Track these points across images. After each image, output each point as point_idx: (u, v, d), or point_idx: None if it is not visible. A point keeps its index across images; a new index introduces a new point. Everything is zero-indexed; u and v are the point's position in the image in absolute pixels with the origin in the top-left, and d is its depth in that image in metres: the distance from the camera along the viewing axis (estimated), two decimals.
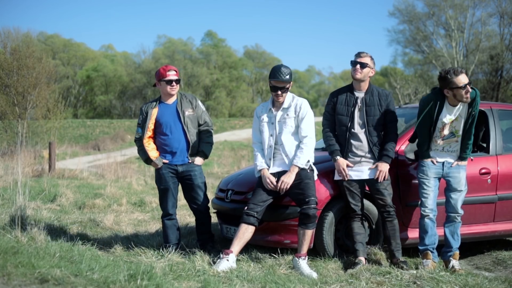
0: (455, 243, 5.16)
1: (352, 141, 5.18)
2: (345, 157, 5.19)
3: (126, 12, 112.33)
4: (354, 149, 5.17)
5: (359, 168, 5.15)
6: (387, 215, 5.15)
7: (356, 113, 5.18)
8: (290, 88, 5.16)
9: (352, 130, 5.17)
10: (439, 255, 5.24)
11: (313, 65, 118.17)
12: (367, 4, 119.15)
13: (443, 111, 5.10)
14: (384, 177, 5.09)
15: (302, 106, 5.13)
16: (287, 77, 5.09)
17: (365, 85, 5.21)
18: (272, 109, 5.22)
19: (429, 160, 5.17)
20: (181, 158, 5.50)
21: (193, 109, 5.54)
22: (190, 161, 5.50)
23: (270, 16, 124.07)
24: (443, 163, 5.17)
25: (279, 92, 5.11)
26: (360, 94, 5.20)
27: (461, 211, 5.16)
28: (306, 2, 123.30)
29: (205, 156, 5.56)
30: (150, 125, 5.51)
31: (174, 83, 5.49)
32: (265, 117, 5.24)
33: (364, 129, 5.14)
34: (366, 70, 5.14)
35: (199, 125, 5.58)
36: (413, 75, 42.46)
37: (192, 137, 5.50)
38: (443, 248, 5.22)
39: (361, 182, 5.17)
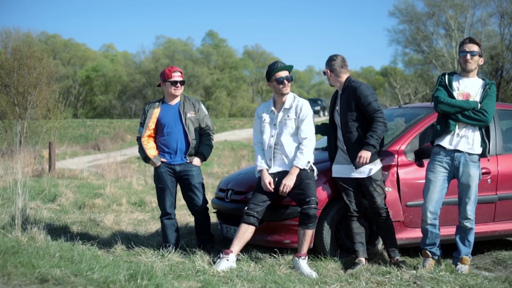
0: (465, 249, 5.03)
1: (338, 140, 5.27)
2: (336, 153, 5.27)
3: (126, 12, 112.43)
4: (341, 146, 5.23)
5: (347, 166, 5.17)
6: (379, 217, 5.14)
7: (336, 114, 5.26)
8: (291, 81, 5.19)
9: (336, 130, 5.27)
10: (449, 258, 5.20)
11: (313, 65, 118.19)
12: (367, 4, 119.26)
13: (454, 78, 5.06)
14: (362, 163, 4.96)
15: (303, 107, 5.14)
16: (287, 64, 5.17)
17: (339, 85, 5.25)
18: (274, 109, 5.23)
19: (440, 148, 4.97)
20: (180, 158, 5.53)
21: (195, 112, 5.58)
22: (188, 161, 5.52)
23: (270, 16, 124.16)
24: (453, 155, 4.94)
25: (285, 82, 5.12)
26: (340, 94, 5.27)
27: (471, 216, 4.97)
28: (306, 2, 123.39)
29: (203, 157, 5.59)
30: (151, 124, 5.55)
31: (178, 84, 5.53)
32: (266, 118, 5.25)
33: (341, 128, 5.17)
34: (332, 76, 5.20)
35: (201, 128, 5.62)
36: (413, 75, 42.42)
37: (193, 138, 5.53)
38: (454, 252, 5.15)
39: (353, 179, 5.17)
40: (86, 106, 63.46)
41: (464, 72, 5.05)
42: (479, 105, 4.92)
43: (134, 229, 7.15)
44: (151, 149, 5.57)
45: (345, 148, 5.15)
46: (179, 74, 5.55)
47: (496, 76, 40.02)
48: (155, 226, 7.36)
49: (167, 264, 4.84)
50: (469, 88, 5.00)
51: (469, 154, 4.95)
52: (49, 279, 3.77)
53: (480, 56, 5.02)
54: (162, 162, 5.53)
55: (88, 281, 3.80)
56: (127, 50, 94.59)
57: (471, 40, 5.06)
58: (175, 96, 5.58)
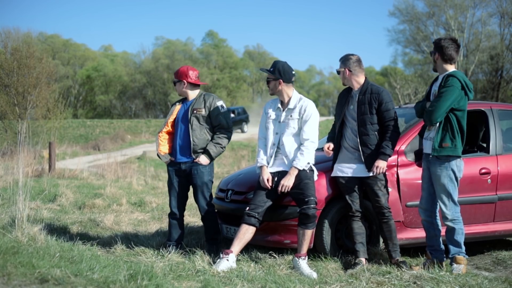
0: (454, 249, 4.99)
1: (344, 138, 5.24)
2: (339, 152, 5.26)
3: (126, 13, 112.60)
4: (347, 145, 5.22)
5: (352, 165, 5.17)
6: (382, 217, 5.13)
7: (348, 112, 5.22)
8: (281, 85, 5.13)
9: (344, 128, 5.25)
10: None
11: (313, 64, 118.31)
12: (367, 4, 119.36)
13: (437, 80, 5.10)
14: (379, 173, 5.04)
15: (307, 108, 5.11)
16: (271, 69, 5.19)
17: (356, 85, 5.23)
18: (280, 107, 5.23)
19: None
20: (184, 156, 5.52)
21: (205, 109, 5.52)
22: (195, 159, 5.49)
23: (270, 16, 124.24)
24: (427, 156, 5.01)
25: (267, 84, 5.22)
26: (355, 94, 5.23)
27: (450, 216, 4.89)
28: (306, 2, 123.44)
29: (209, 156, 5.47)
30: (170, 120, 5.61)
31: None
32: (272, 114, 5.25)
33: (356, 128, 5.15)
34: (349, 75, 5.20)
35: (214, 126, 5.54)
36: (413, 75, 42.48)
37: (196, 136, 5.47)
38: (449, 254, 5.13)
39: (357, 180, 5.18)
40: (86, 106, 63.49)
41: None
42: (427, 104, 4.97)
43: (134, 229, 7.15)
44: (163, 146, 5.60)
45: (358, 147, 5.11)
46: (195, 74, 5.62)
47: (496, 76, 40.04)
48: (155, 226, 7.36)
49: (167, 264, 4.84)
50: (437, 86, 5.02)
51: (436, 156, 4.88)
52: (49, 279, 3.77)
53: (433, 53, 5.02)
54: (171, 160, 5.56)
55: (88, 281, 3.80)
56: (126, 50, 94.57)
57: (433, 41, 5.14)
58: (184, 95, 5.63)
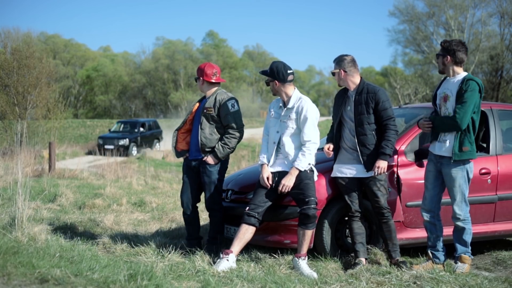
0: (461, 248, 5.03)
1: (342, 139, 5.24)
2: (338, 152, 5.25)
3: (126, 13, 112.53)
4: (345, 146, 5.21)
5: (351, 166, 5.16)
6: (381, 217, 5.13)
7: (346, 113, 5.21)
8: (277, 85, 5.14)
9: (342, 129, 5.24)
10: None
11: (313, 65, 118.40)
12: (367, 4, 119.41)
13: (443, 82, 5.11)
14: (380, 173, 5.04)
15: (303, 108, 5.08)
16: (267, 70, 5.22)
17: (351, 85, 5.22)
18: (282, 106, 5.22)
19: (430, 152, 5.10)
20: (194, 154, 5.55)
21: (214, 108, 5.49)
22: (203, 158, 5.50)
23: (270, 16, 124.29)
24: (437, 158, 5.03)
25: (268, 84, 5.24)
26: (352, 94, 5.22)
27: (460, 215, 4.95)
28: (306, 2, 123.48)
29: (216, 156, 5.45)
30: (189, 118, 5.65)
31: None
32: (273, 112, 5.25)
33: (354, 129, 5.15)
34: (345, 76, 5.19)
35: (223, 126, 5.54)
36: (413, 75, 42.48)
37: (204, 135, 5.47)
38: (454, 252, 5.14)
39: (356, 180, 5.17)
40: (86, 106, 63.45)
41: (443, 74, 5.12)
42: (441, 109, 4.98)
43: (134, 229, 7.15)
44: (180, 143, 5.65)
45: (356, 148, 5.10)
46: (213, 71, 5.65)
47: (496, 76, 40.05)
48: (155, 226, 7.36)
49: (167, 264, 4.84)
50: (448, 89, 5.00)
51: (450, 157, 4.90)
52: (49, 279, 3.77)
53: (443, 56, 5.00)
54: (186, 156, 5.63)
55: (88, 281, 3.80)
56: (126, 50, 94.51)
57: (441, 43, 5.14)
58: (203, 92, 5.66)
